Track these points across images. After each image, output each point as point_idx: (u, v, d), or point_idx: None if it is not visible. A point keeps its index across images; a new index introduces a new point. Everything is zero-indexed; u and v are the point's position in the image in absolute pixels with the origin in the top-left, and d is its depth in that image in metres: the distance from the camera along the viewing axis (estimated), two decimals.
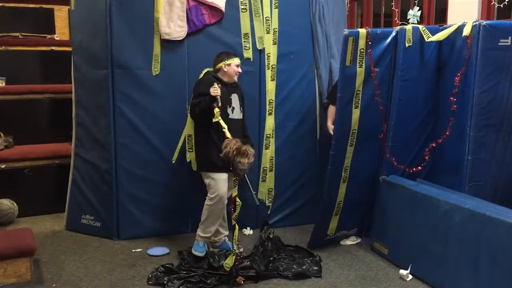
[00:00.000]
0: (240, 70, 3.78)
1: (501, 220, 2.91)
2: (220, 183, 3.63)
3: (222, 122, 3.48)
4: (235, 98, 3.76)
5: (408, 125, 3.89)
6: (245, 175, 3.41)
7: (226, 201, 3.71)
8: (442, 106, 3.84)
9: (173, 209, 4.26)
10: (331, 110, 4.20)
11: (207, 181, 3.69)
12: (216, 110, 3.48)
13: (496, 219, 2.94)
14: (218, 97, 3.50)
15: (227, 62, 3.71)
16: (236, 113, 3.74)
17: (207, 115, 3.55)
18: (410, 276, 3.51)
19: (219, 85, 3.56)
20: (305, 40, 4.43)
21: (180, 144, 4.03)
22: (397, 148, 3.89)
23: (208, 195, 3.68)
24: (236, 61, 3.76)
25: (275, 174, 4.46)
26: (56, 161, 4.89)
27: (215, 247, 3.90)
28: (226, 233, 3.94)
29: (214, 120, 3.49)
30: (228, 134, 3.39)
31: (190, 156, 3.97)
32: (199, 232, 3.77)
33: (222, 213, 3.76)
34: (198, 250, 3.71)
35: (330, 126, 4.24)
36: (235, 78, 3.77)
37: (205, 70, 3.84)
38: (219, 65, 3.72)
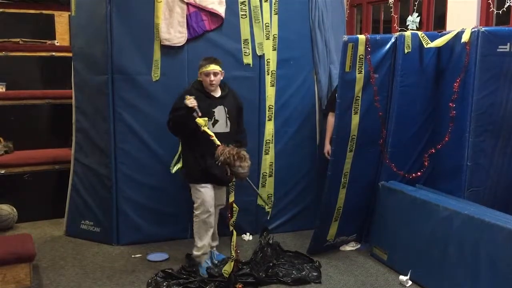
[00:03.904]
0: (212, 78, 3.51)
1: (500, 226, 2.92)
2: (203, 193, 3.61)
3: (208, 131, 3.39)
4: (220, 111, 3.58)
5: (407, 131, 3.90)
6: (248, 179, 3.37)
7: (212, 210, 3.66)
8: (441, 112, 3.85)
9: (172, 214, 4.27)
10: (330, 122, 4.17)
11: (192, 191, 3.69)
12: (202, 119, 3.40)
13: (495, 225, 2.94)
14: (196, 107, 3.41)
15: (199, 71, 3.56)
16: (219, 127, 3.57)
17: (183, 128, 3.52)
18: (410, 282, 3.51)
19: (193, 96, 3.44)
20: (304, 46, 4.44)
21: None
22: (397, 154, 3.90)
23: (194, 205, 3.68)
24: (204, 69, 3.52)
25: (275, 179, 4.46)
26: (56, 167, 4.89)
27: None
28: (215, 243, 3.88)
29: (202, 129, 3.41)
30: (217, 142, 3.32)
31: (176, 166, 3.91)
32: (193, 251, 3.72)
33: (211, 224, 3.69)
34: (201, 272, 3.65)
35: (327, 147, 4.22)
36: (211, 88, 3.56)
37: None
38: (198, 73, 3.61)
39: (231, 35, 4.20)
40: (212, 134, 3.38)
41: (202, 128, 3.39)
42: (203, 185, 3.62)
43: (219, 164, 3.23)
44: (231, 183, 3.32)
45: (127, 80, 4.09)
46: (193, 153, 3.62)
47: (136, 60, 4.08)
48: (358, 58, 3.69)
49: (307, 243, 4.10)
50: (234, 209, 3.33)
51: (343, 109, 3.75)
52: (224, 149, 3.24)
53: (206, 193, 3.62)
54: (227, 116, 3.63)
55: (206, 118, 3.45)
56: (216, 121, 3.59)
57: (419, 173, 3.94)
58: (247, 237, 4.42)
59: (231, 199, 3.33)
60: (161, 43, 4.06)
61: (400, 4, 5.83)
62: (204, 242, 3.68)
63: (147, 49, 4.08)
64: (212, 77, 3.53)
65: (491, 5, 4.63)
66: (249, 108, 4.19)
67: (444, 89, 3.83)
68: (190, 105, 3.41)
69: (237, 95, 3.81)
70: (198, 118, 3.41)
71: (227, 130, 3.62)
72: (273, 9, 4.27)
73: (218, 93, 3.65)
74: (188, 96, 3.44)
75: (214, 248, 3.89)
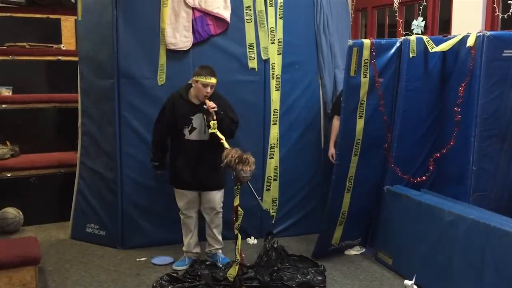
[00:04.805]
0: (209, 91, 3.54)
1: (506, 230, 2.91)
2: (179, 198, 3.81)
3: (219, 134, 3.46)
4: (198, 119, 3.62)
5: (413, 135, 3.90)
6: (248, 183, 3.41)
7: (189, 214, 3.81)
8: (446, 116, 3.85)
9: (177, 218, 4.24)
10: (335, 125, 4.17)
11: None
12: (213, 122, 3.48)
13: (501, 230, 2.93)
14: (213, 111, 3.49)
15: (196, 78, 3.56)
16: (196, 134, 3.63)
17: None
18: (415, 287, 3.50)
19: (210, 102, 3.53)
20: (309, 50, 4.45)
21: None
22: (402, 158, 3.89)
23: None
24: (203, 80, 3.52)
25: (280, 183, 4.46)
26: (62, 170, 4.91)
27: (208, 258, 3.91)
28: (217, 246, 3.89)
29: (210, 131, 3.49)
30: (226, 145, 3.38)
31: None
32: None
33: (189, 225, 3.84)
34: (176, 264, 3.86)
35: (332, 150, 4.22)
36: (203, 99, 3.56)
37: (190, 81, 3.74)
38: (192, 78, 3.61)
39: (236, 39, 4.22)
40: (222, 138, 3.44)
41: (212, 131, 3.46)
42: (179, 190, 3.79)
43: (223, 166, 3.29)
44: (236, 187, 3.34)
45: (133, 84, 4.11)
46: (175, 159, 3.76)
47: (141, 64, 4.10)
48: (363, 63, 3.70)
49: (311, 247, 4.10)
50: (239, 212, 3.34)
51: (348, 113, 3.76)
52: (229, 152, 3.29)
53: (182, 198, 3.79)
54: (206, 124, 3.61)
55: (215, 122, 3.49)
56: (193, 129, 3.64)
57: (424, 178, 3.93)
58: (252, 241, 4.42)
59: (236, 202, 3.34)
60: (167, 47, 4.07)
61: (405, 8, 5.83)
62: (186, 239, 3.87)
63: (152, 53, 4.10)
64: (209, 90, 3.57)
65: (496, 9, 4.62)
66: (254, 112, 4.22)
67: (449, 94, 3.83)
68: (210, 110, 3.49)
69: (223, 99, 3.72)
70: (212, 121, 3.48)
71: (205, 138, 3.62)
72: (278, 13, 4.28)
73: (198, 101, 3.64)
74: (207, 101, 3.54)
75: (220, 251, 3.90)
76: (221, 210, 3.83)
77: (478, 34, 3.54)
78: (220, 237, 3.89)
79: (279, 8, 4.28)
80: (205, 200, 3.78)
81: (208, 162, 3.63)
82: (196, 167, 3.66)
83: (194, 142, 3.65)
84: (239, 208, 3.34)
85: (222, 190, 3.81)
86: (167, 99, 3.78)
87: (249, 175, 3.27)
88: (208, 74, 3.55)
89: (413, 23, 5.53)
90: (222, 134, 3.51)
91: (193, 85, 3.61)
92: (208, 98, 3.59)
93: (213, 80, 3.56)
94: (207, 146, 3.62)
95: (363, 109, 3.78)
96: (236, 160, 3.22)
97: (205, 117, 3.57)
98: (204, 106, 3.54)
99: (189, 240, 3.87)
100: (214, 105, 3.53)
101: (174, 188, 3.83)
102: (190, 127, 3.64)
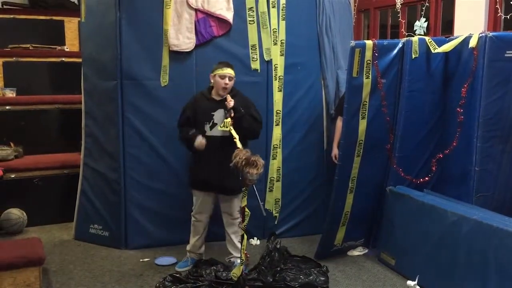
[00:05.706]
0: (227, 82, 3.57)
1: (509, 231, 2.91)
2: (195, 199, 3.79)
3: (233, 132, 3.44)
4: (219, 114, 3.60)
5: (415, 136, 3.90)
6: (253, 185, 3.41)
7: (200, 217, 3.79)
8: (449, 117, 3.85)
9: (180, 219, 4.27)
10: (338, 126, 4.16)
11: None
12: (228, 120, 3.49)
13: (504, 230, 2.93)
14: (230, 108, 3.50)
15: (213, 73, 3.61)
16: (217, 130, 3.60)
17: (187, 145, 3.70)
18: (418, 287, 3.51)
19: (230, 99, 3.54)
20: (312, 51, 4.46)
21: None
22: (404, 159, 3.90)
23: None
24: (220, 72, 3.57)
25: (282, 184, 4.47)
26: (65, 171, 4.92)
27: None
28: (236, 254, 3.76)
29: (222, 129, 3.51)
30: (238, 144, 3.36)
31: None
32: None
33: (198, 227, 3.82)
34: (178, 266, 3.85)
35: (335, 151, 4.21)
36: (223, 92, 3.59)
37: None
38: (210, 75, 3.66)
39: (239, 40, 4.23)
40: (236, 136, 3.42)
41: (226, 129, 3.47)
42: (195, 191, 3.78)
43: (231, 167, 3.26)
44: (244, 188, 3.33)
45: (136, 85, 4.13)
46: (194, 159, 3.75)
47: (144, 66, 4.12)
48: (365, 63, 3.70)
49: (314, 248, 4.10)
50: (246, 213, 3.34)
51: (351, 114, 3.76)
52: (239, 153, 3.26)
53: (197, 200, 3.78)
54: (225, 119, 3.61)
55: (229, 120, 3.49)
56: (214, 124, 3.63)
57: (427, 178, 3.93)
58: (255, 241, 4.42)
59: (243, 203, 3.34)
60: (170, 48, 4.09)
61: (408, 9, 5.83)
62: (193, 239, 3.85)
63: (155, 54, 4.11)
64: (227, 80, 3.58)
65: (499, 10, 4.63)
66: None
67: (451, 94, 3.83)
68: (228, 107, 3.51)
69: (245, 98, 3.74)
70: (227, 118, 3.49)
71: (227, 134, 3.58)
72: (280, 15, 4.29)
73: (219, 97, 3.65)
74: (228, 97, 3.55)
75: (238, 260, 3.65)
76: (239, 216, 3.74)
77: (480, 35, 3.54)
78: (239, 244, 3.71)
79: (282, 9, 4.29)
80: (222, 205, 3.77)
81: (229, 159, 3.39)
82: (216, 164, 3.56)
83: (215, 138, 3.61)
84: (246, 209, 3.34)
85: (240, 197, 3.68)
86: (189, 100, 3.77)
87: (255, 178, 3.25)
88: (224, 66, 3.60)
89: (415, 24, 5.54)
90: (243, 133, 3.51)
91: (212, 81, 3.64)
92: (230, 95, 3.60)
93: (229, 71, 3.59)
94: (229, 141, 3.49)
95: (366, 110, 3.79)
96: (243, 162, 3.19)
97: (225, 112, 3.56)
98: (226, 102, 3.54)
99: (195, 241, 3.85)
100: (232, 103, 3.53)
101: (192, 190, 3.81)
102: (211, 123, 3.62)
